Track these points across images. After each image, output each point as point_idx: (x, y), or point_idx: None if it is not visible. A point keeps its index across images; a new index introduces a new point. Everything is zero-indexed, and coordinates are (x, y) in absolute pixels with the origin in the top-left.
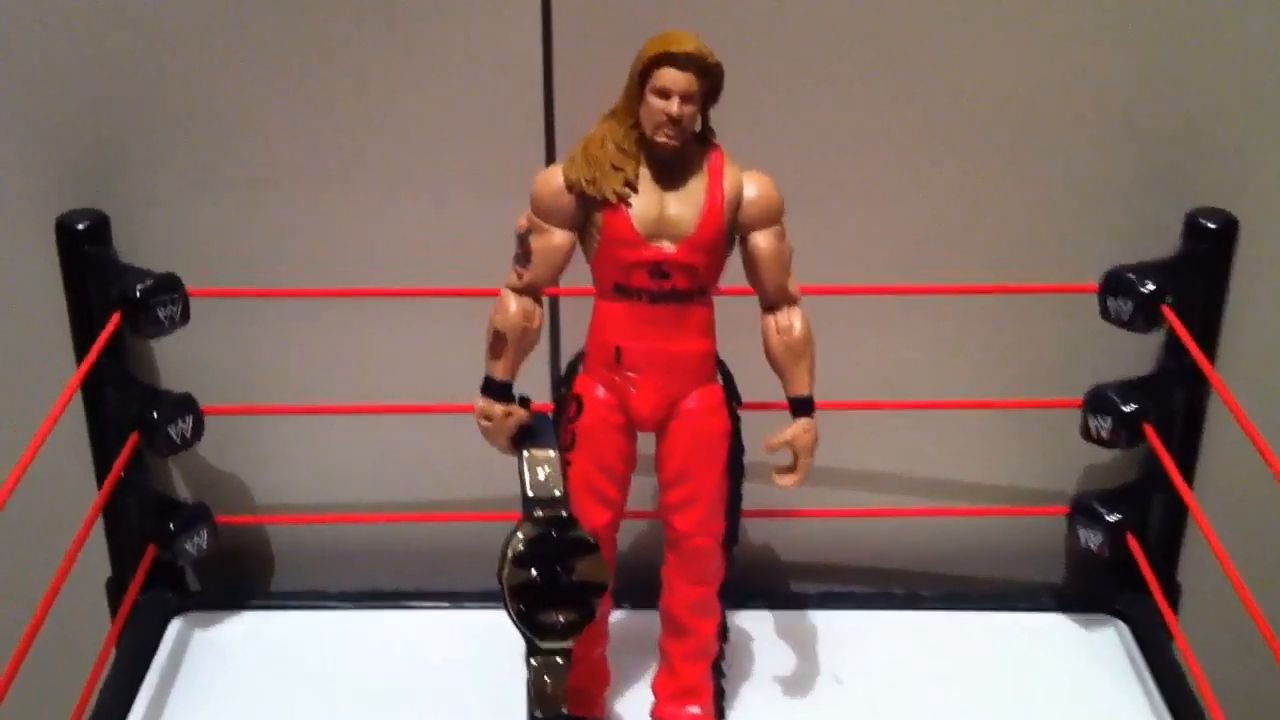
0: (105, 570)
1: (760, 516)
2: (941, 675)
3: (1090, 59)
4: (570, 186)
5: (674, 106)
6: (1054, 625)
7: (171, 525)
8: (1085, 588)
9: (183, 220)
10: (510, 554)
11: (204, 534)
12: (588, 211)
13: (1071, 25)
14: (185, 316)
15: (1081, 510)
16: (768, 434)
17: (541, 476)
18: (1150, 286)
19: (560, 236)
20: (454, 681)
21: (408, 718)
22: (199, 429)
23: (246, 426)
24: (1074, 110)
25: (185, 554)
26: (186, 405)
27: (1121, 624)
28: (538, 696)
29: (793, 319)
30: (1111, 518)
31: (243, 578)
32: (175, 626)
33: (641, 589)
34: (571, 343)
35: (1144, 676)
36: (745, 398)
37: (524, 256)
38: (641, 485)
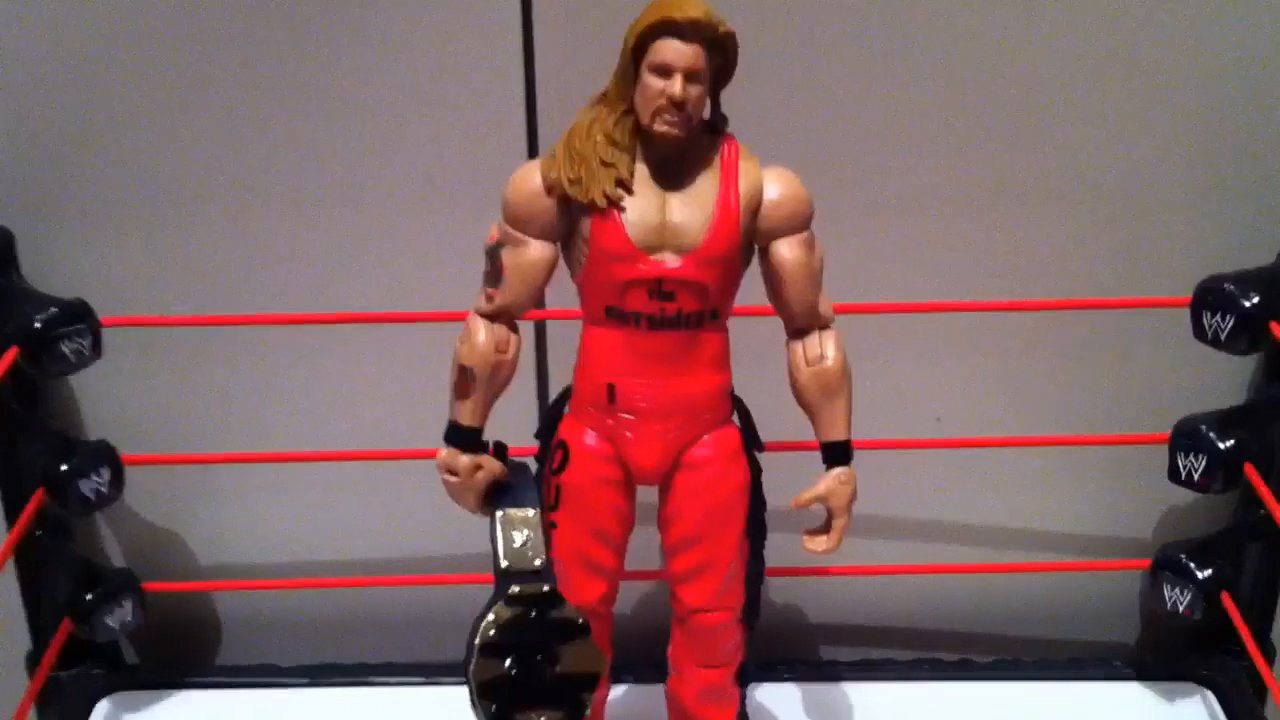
0: (26, 643)
1: (785, 575)
2: None
3: (1177, 50)
4: (550, 188)
5: (676, 87)
6: (1129, 696)
7: (89, 596)
8: (1163, 651)
9: (103, 242)
10: (479, 642)
11: (128, 605)
12: (572, 218)
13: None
14: (97, 350)
15: (1167, 565)
16: (793, 481)
17: (518, 543)
18: (1254, 299)
19: (539, 249)
20: None
21: None
22: (118, 483)
23: (181, 479)
24: (1155, 104)
25: (106, 629)
26: (102, 455)
27: (1208, 692)
28: None
29: (825, 346)
30: (1203, 574)
31: (184, 651)
32: (103, 708)
33: (645, 659)
34: (562, 376)
35: None
36: (765, 435)
37: (495, 275)
38: (646, 537)
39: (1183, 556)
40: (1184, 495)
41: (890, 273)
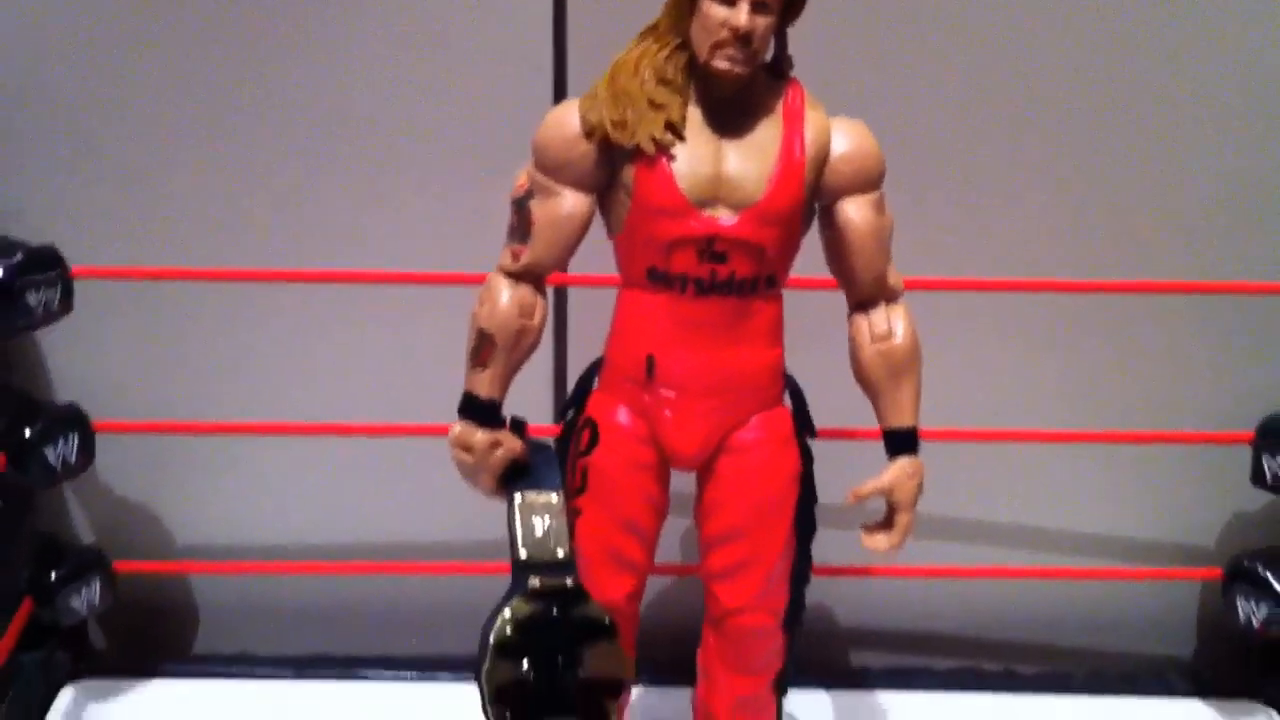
0: None
1: (820, 575)
2: None
3: None
4: (590, 131)
5: (742, 16)
6: (1188, 713)
7: (53, 574)
8: (1224, 667)
9: (76, 185)
10: (493, 640)
11: (96, 586)
12: (613, 167)
13: None
14: (67, 303)
15: (1241, 576)
16: (842, 475)
17: (539, 531)
18: None
19: (573, 201)
20: None
21: None
22: (87, 452)
23: (158, 451)
24: (1257, 64)
25: (71, 610)
26: (70, 421)
27: (1274, 714)
28: None
29: (893, 322)
30: None
31: (157, 637)
32: (68, 695)
33: (665, 659)
34: (584, 350)
35: None
36: (816, 423)
37: (522, 229)
38: (670, 526)
39: (1259, 566)
40: (1253, 501)
41: (948, 246)
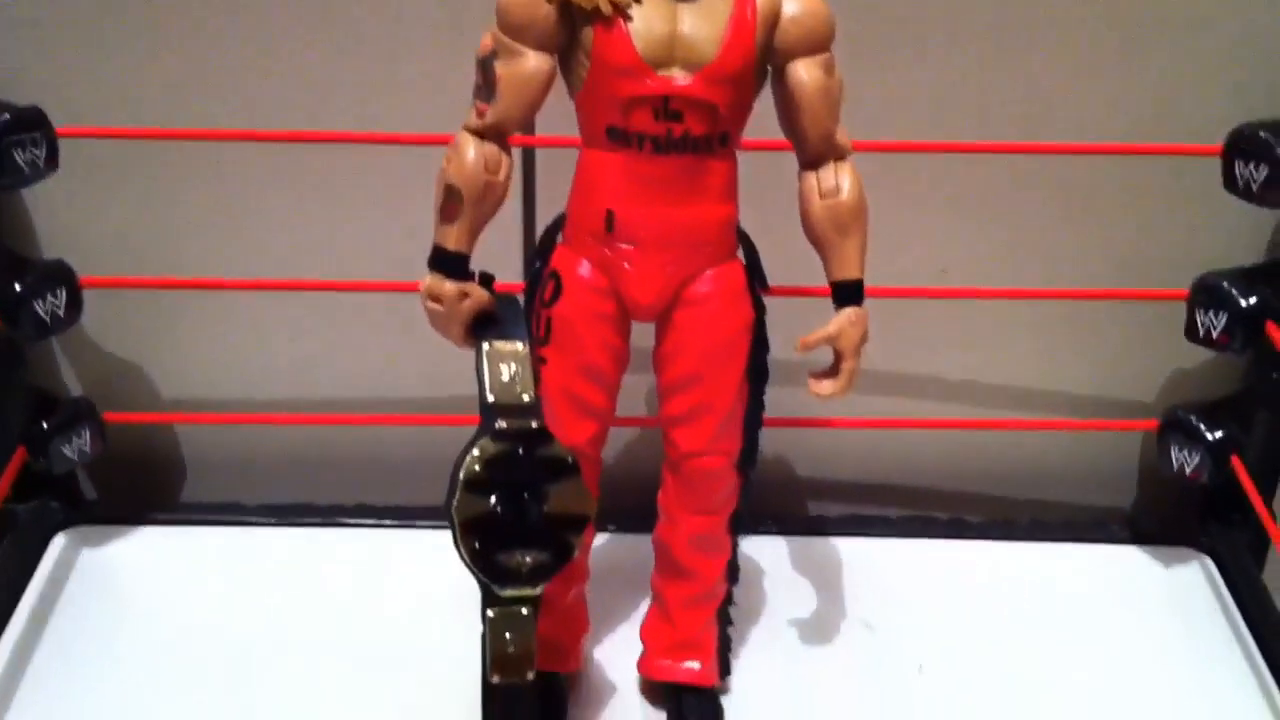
0: None
1: (773, 426)
2: (991, 618)
3: None
4: None
5: None
6: (1126, 559)
7: (45, 424)
8: (1162, 516)
9: (61, 47)
10: (463, 477)
11: (86, 435)
12: (573, 28)
13: None
14: (53, 162)
15: (1176, 426)
16: (795, 331)
17: (505, 377)
18: None
19: (535, 61)
20: (400, 614)
21: (344, 657)
22: (75, 306)
23: (144, 306)
24: None
25: (63, 459)
26: (58, 276)
27: (1206, 558)
28: (496, 658)
29: (841, 179)
30: (1213, 436)
31: (146, 487)
32: (59, 543)
33: (629, 508)
34: (550, 206)
35: (1235, 622)
36: (771, 280)
37: (487, 88)
38: (634, 385)
39: (1193, 418)
40: (1189, 358)
41: (896, 110)
